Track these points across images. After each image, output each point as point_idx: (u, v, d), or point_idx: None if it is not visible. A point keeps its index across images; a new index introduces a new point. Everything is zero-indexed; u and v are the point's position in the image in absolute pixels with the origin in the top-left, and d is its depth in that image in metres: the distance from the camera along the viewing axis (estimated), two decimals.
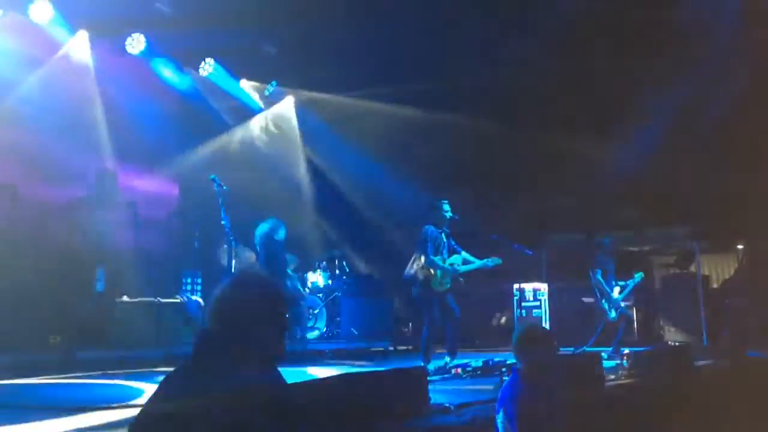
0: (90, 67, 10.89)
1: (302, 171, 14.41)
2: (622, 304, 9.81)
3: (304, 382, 3.17)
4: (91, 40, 10.84)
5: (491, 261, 8.50)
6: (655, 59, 11.65)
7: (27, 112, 9.89)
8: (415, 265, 8.34)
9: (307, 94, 14.05)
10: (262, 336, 2.44)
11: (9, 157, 9.47)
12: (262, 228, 9.14)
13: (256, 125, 14.16)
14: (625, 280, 9.86)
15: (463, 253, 8.52)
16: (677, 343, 10.99)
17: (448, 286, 8.29)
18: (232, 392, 2.29)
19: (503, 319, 12.80)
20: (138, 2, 10.37)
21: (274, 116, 14.40)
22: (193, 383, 2.34)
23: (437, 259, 8.21)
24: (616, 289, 9.74)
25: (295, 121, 14.53)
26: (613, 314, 9.65)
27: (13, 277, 8.66)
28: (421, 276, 8.24)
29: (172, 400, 2.34)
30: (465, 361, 8.16)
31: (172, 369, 2.49)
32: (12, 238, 9.17)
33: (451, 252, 8.45)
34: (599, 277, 9.68)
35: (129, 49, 11.08)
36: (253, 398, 2.33)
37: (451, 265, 8.32)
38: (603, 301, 9.69)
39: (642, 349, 8.76)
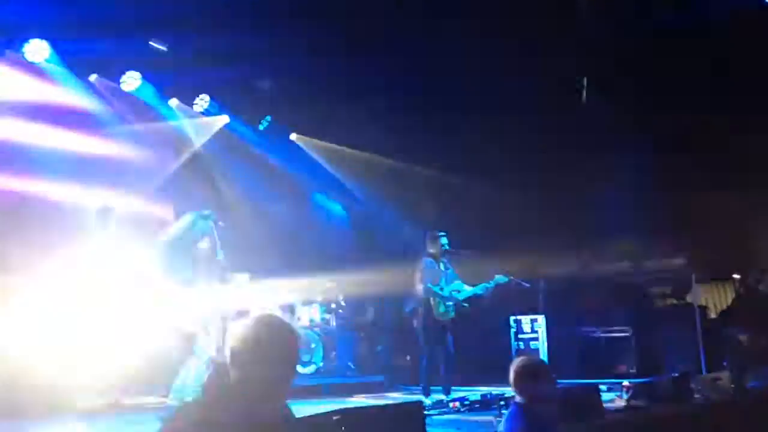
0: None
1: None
2: None
3: (300, 418, 3.14)
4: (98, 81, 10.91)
5: (495, 280, 8.48)
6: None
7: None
8: (415, 297, 8.35)
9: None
10: (275, 374, 2.47)
11: None
12: None
13: None
14: None
15: (464, 286, 8.53)
16: (676, 374, 10.90)
17: (452, 314, 8.29)
18: (244, 428, 2.33)
19: None
20: (133, 41, 10.42)
21: None
22: (204, 418, 2.35)
23: (434, 288, 8.22)
24: None
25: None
26: None
27: None
28: (422, 307, 8.24)
29: None
30: (463, 394, 8.11)
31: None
32: None
33: (450, 283, 8.47)
34: None
35: (124, 87, 11.12)
36: None
37: (451, 291, 8.31)
38: None
39: (641, 380, 8.70)
